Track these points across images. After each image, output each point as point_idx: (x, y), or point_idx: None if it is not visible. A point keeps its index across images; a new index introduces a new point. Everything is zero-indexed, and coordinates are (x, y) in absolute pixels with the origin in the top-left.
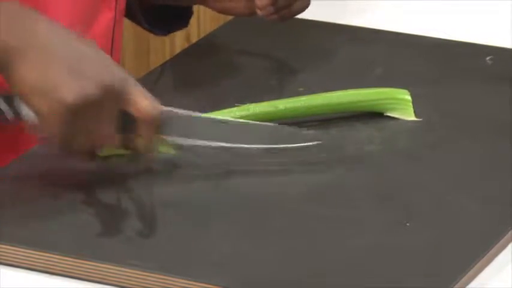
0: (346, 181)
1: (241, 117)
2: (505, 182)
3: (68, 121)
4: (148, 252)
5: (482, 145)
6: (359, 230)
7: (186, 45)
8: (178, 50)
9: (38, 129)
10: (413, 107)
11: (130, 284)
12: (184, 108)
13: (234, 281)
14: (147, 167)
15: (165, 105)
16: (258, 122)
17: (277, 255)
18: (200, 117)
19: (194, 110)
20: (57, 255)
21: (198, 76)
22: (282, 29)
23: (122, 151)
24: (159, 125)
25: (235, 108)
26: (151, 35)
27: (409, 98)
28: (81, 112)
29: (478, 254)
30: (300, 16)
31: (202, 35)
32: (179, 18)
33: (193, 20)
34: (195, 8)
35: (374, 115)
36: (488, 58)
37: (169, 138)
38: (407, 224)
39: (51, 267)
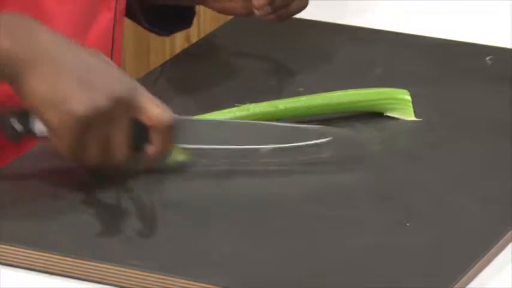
0: (346, 181)
1: (241, 117)
2: (505, 182)
3: (79, 133)
4: (148, 252)
5: (482, 145)
6: (359, 230)
7: (186, 45)
8: (178, 50)
9: (49, 143)
10: (413, 107)
11: (130, 284)
12: (185, 108)
13: (234, 281)
14: (147, 167)
15: (165, 105)
16: (267, 122)
17: (277, 255)
18: (210, 121)
19: (194, 110)
20: (56, 255)
21: (198, 76)
22: (282, 29)
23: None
24: (172, 132)
25: (235, 108)
26: (152, 35)
27: (409, 98)
28: (92, 124)
29: (478, 254)
30: (300, 16)
31: (202, 35)
32: (181, 18)
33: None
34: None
35: (374, 115)
36: (488, 58)
37: (182, 145)
38: (407, 224)
39: (51, 267)
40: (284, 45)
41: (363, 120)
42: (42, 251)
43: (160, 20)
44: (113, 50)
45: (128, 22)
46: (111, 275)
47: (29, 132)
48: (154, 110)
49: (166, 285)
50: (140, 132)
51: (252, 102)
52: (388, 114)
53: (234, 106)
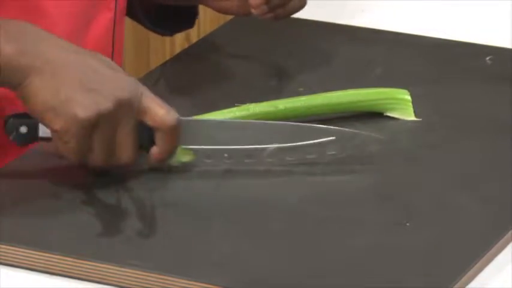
0: (346, 181)
1: (241, 117)
2: (505, 182)
3: (84, 137)
4: (148, 252)
5: (482, 145)
6: (359, 230)
7: (186, 45)
8: (178, 50)
9: (54, 147)
10: (413, 107)
11: (130, 284)
12: (185, 108)
13: (234, 281)
14: (152, 168)
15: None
16: (270, 121)
17: (277, 255)
18: (214, 122)
19: (194, 110)
20: (57, 255)
21: (198, 76)
22: (282, 29)
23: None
24: (177, 133)
25: (235, 108)
26: (152, 35)
27: (409, 98)
28: (97, 127)
29: (478, 254)
30: (299, 16)
31: (202, 35)
32: (183, 18)
33: None
34: None
35: (374, 115)
36: (488, 58)
37: (187, 145)
38: (407, 224)
39: (51, 267)
40: (284, 45)
41: (363, 120)
42: (42, 251)
43: (162, 20)
44: (113, 52)
45: (127, 22)
46: (111, 275)
47: (35, 136)
48: (159, 111)
49: (166, 285)
50: (145, 133)
51: (252, 102)
52: (388, 114)
53: (234, 106)
